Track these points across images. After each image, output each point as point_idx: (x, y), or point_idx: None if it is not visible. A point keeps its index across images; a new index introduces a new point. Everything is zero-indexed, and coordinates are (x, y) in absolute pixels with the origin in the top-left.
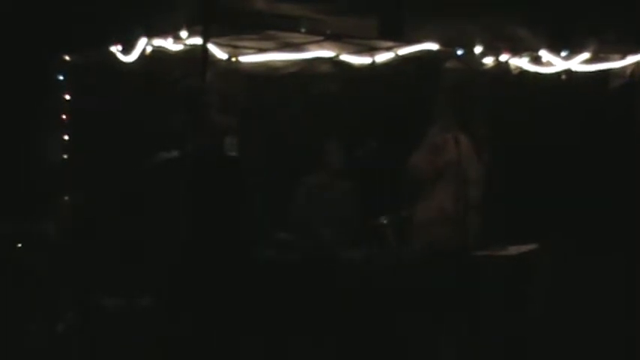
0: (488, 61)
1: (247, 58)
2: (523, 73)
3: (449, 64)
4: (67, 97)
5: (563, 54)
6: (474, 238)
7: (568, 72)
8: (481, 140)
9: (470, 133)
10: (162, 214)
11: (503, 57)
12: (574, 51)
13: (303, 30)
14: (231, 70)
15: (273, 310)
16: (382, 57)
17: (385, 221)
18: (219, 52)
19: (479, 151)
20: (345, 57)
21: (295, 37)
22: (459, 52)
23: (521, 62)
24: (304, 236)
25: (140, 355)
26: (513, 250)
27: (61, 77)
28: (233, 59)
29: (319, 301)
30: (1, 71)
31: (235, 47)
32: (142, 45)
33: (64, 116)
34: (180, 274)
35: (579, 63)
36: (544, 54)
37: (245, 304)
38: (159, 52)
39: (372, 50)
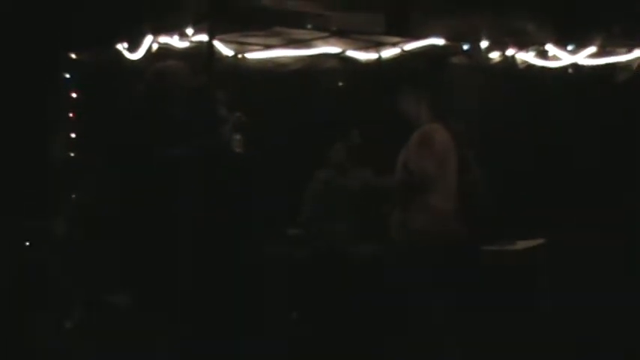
0: (495, 55)
1: (253, 55)
2: (529, 68)
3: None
4: (74, 95)
5: (569, 48)
6: (474, 232)
7: (574, 66)
8: (461, 133)
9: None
10: (169, 211)
11: (510, 51)
12: (580, 45)
13: (309, 26)
14: (237, 66)
15: (284, 306)
16: (388, 52)
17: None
18: (225, 49)
19: (458, 144)
20: (352, 53)
21: (301, 34)
22: (465, 47)
23: (527, 56)
24: (313, 232)
25: (148, 352)
26: (521, 244)
27: (68, 75)
28: (239, 56)
29: (330, 296)
30: (8, 69)
31: (241, 44)
32: (148, 42)
33: (70, 114)
34: (188, 271)
35: (585, 57)
36: (550, 48)
37: (255, 301)
38: (165, 50)
39: (378, 46)
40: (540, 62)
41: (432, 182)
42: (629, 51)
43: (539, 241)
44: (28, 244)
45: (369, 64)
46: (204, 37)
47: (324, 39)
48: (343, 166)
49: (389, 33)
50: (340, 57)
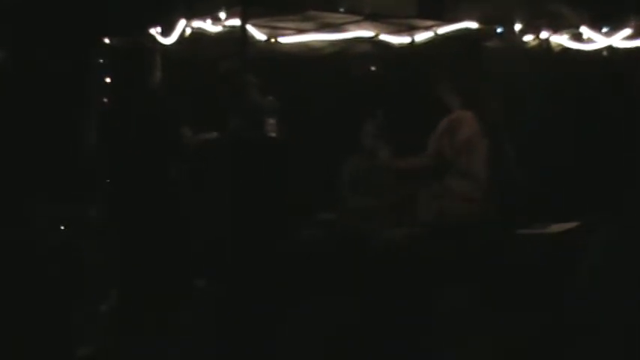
0: (528, 38)
1: (286, 39)
2: (564, 51)
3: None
4: (108, 80)
5: (604, 30)
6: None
7: (609, 49)
8: (495, 119)
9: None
10: (203, 196)
11: (544, 34)
12: (615, 27)
13: (342, 10)
14: (270, 51)
15: (317, 291)
16: (421, 36)
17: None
18: (258, 33)
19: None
20: (385, 37)
21: (334, 18)
22: (499, 30)
23: (561, 39)
24: (347, 215)
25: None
26: (556, 228)
27: (102, 60)
28: (272, 40)
29: (363, 280)
30: (42, 55)
31: (274, 28)
32: (182, 27)
33: (105, 99)
34: (222, 256)
35: (621, 39)
36: (585, 31)
37: (289, 285)
38: (198, 34)
39: (411, 29)
40: (575, 45)
41: (450, 167)
42: None
43: (575, 224)
44: (63, 228)
45: (402, 48)
46: (237, 22)
47: (357, 23)
48: (374, 148)
49: (422, 16)
50: (373, 41)
